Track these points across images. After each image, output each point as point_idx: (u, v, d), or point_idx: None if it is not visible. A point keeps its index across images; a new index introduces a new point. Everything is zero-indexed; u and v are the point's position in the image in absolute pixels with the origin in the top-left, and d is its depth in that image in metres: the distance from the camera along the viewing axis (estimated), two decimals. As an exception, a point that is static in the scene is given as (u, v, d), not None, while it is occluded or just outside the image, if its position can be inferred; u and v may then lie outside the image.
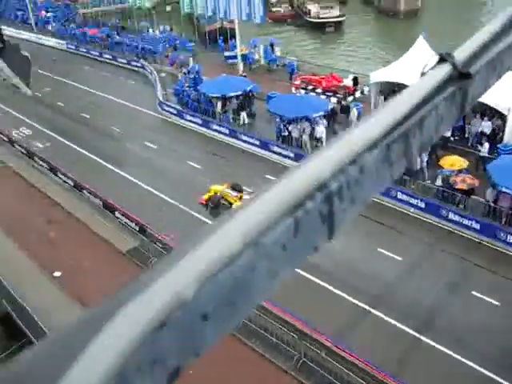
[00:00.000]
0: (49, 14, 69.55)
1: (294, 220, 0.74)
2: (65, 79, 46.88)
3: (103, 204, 26.63)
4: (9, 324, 22.41)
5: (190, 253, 0.63)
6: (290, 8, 78.95)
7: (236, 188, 24.64)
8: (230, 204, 24.01)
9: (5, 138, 36.42)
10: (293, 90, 36.12)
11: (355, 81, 36.01)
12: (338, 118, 31.31)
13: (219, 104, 33.64)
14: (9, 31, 67.36)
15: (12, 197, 29.09)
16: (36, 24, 66.88)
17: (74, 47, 56.57)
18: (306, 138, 28.82)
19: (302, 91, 36.06)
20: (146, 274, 0.63)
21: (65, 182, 29.96)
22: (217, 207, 24.39)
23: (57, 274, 22.44)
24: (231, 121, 32.95)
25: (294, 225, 0.74)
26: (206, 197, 24.91)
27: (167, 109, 36.80)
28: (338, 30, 68.95)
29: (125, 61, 48.76)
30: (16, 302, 20.72)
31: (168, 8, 57.93)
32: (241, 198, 23.77)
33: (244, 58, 42.05)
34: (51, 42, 60.01)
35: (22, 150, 34.32)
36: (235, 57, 42.25)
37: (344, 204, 0.84)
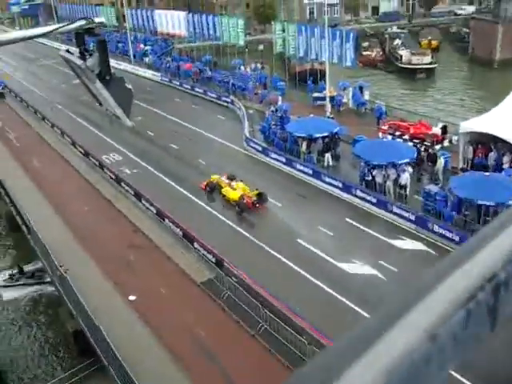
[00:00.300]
0: (146, 47, 72.68)
1: (466, 311, 0.74)
2: (156, 109, 48.52)
3: (183, 234, 27.06)
4: (81, 340, 23.01)
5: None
6: (381, 52, 78.99)
7: (230, 177, 30.99)
8: (221, 187, 30.68)
9: (96, 162, 37.94)
10: (380, 134, 35.74)
11: (444, 129, 35.22)
12: (424, 167, 30.68)
13: (304, 144, 33.74)
14: (112, 62, 70.96)
15: (98, 219, 30.16)
16: (134, 56, 70.01)
17: (167, 79, 58.75)
18: (390, 184, 28.33)
19: (389, 136, 35.64)
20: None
21: (148, 208, 30.71)
22: (212, 191, 31.14)
23: (132, 297, 22.88)
24: (315, 162, 32.92)
25: (466, 316, 0.74)
26: (205, 183, 31.46)
27: (253, 145, 37.27)
28: (429, 76, 68.17)
29: (215, 95, 50.07)
30: (90, 319, 21.19)
31: (260, 47, 59.25)
32: (230, 183, 30.41)
33: (332, 99, 42.15)
34: (147, 73, 62.61)
35: (111, 175, 35.58)
36: (323, 98, 42.39)
37: (509, 295, 0.82)
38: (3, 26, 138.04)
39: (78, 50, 3.42)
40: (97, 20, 3.35)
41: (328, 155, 32.92)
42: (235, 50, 60.98)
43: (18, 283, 31.31)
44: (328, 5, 55.63)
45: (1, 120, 52.42)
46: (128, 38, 71.50)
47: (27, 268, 31.94)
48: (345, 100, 43.13)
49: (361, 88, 43.96)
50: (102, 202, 32.73)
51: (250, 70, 54.79)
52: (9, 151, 43.87)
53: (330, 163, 32.82)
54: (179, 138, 41.03)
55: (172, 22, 70.79)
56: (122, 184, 33.95)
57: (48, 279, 28.91)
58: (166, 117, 46.68)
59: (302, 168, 32.87)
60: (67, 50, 3.45)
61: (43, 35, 3.38)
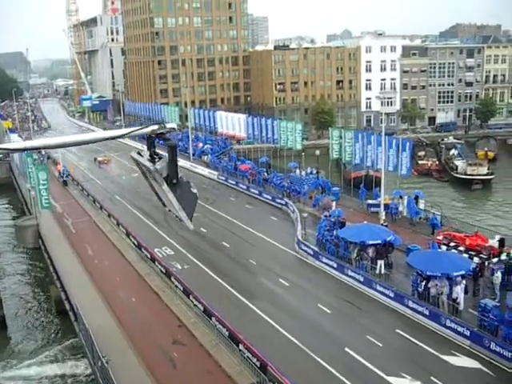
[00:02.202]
0: (206, 147, 75.13)
1: None
2: (211, 207, 49.32)
3: (229, 334, 26.58)
4: None
5: None
6: (436, 162, 79.21)
7: None
8: None
9: (148, 255, 38.37)
10: (434, 244, 35.08)
11: (501, 242, 34.35)
12: (480, 280, 29.69)
13: (356, 251, 33.38)
14: (169, 158, 73.51)
15: (144, 310, 30.08)
16: (193, 154, 72.31)
17: (224, 178, 60.11)
18: (444, 297, 27.42)
19: (444, 247, 34.96)
20: None
21: (195, 305, 30.48)
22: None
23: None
24: (367, 269, 32.37)
25: None
26: None
27: (305, 248, 37.11)
28: (485, 187, 67.60)
29: (270, 197, 50.73)
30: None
31: (317, 152, 60.27)
32: None
33: (387, 207, 42.00)
34: (205, 171, 64.32)
35: (162, 269, 35.80)
36: (378, 205, 42.34)
37: None
38: (73, 119, 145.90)
39: (148, 152, 3.53)
40: (169, 126, 3.47)
41: (381, 263, 32.35)
42: (292, 153, 62.26)
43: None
44: (385, 114, 56.75)
45: (61, 206, 54.25)
46: (189, 136, 74.18)
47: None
48: (400, 208, 42.91)
49: (416, 197, 43.78)
50: (150, 294, 32.75)
51: (306, 173, 55.59)
52: (65, 237, 44.98)
53: (383, 271, 32.18)
54: (232, 237, 41.33)
55: (232, 123, 73.45)
56: (172, 279, 34.02)
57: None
58: (220, 215, 47.33)
59: (353, 274, 32.33)
60: (138, 153, 3.57)
61: (118, 137, 3.51)
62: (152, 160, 3.56)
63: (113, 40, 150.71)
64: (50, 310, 39.79)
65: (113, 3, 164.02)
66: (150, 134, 3.45)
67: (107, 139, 3.64)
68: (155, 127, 3.42)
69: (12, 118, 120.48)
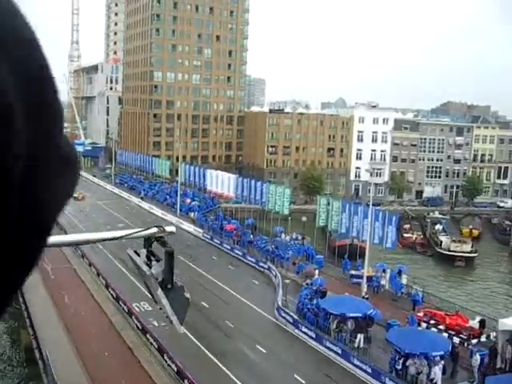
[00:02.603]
0: (193, 203, 75.24)
1: None
2: (193, 265, 48.95)
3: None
4: None
5: None
6: (421, 236, 79.63)
7: None
8: None
9: (125, 309, 37.84)
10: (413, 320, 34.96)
11: (482, 323, 34.29)
12: (458, 362, 29.47)
13: (335, 322, 33.14)
14: (155, 211, 73.49)
15: (116, 366, 29.46)
16: (180, 209, 72.29)
17: (209, 237, 59.93)
18: (423, 377, 27.14)
19: (424, 325, 34.83)
20: None
21: (169, 365, 29.93)
22: None
23: None
24: (346, 341, 32.06)
25: None
26: None
27: (284, 315, 36.77)
28: (468, 265, 67.82)
29: (253, 260, 50.53)
30: None
31: (304, 218, 60.59)
32: None
33: (369, 280, 41.96)
34: (190, 228, 64.14)
35: (138, 325, 35.23)
36: (361, 277, 42.30)
37: None
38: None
39: (145, 251, 3.60)
40: (168, 229, 3.54)
41: (360, 336, 32.10)
42: (279, 216, 62.45)
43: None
44: (374, 184, 57.45)
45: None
46: (178, 191, 74.35)
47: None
48: (382, 282, 42.89)
49: (399, 272, 43.85)
50: (125, 350, 32.20)
51: (291, 238, 55.65)
52: (43, 283, 44.27)
53: (362, 345, 31.89)
54: (211, 297, 40.91)
55: (222, 182, 73.89)
56: (148, 335, 33.50)
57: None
58: (201, 273, 46.99)
59: (331, 346, 32.01)
60: (135, 251, 3.63)
61: (113, 239, 3.58)
62: (148, 262, 3.62)
63: (111, 89, 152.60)
64: (18, 356, 38.73)
65: (115, 53, 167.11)
66: (148, 237, 3.53)
67: (104, 241, 3.71)
68: (154, 230, 3.50)
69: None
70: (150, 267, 3.60)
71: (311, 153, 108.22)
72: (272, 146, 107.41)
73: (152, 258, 3.63)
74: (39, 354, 32.03)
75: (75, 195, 77.63)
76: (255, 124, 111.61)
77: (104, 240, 3.77)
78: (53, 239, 3.40)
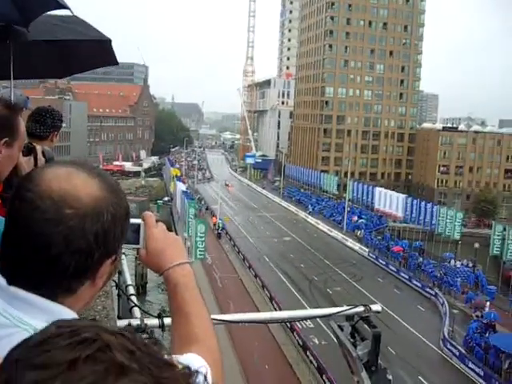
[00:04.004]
0: (360, 221, 74.59)
1: None
2: (357, 284, 48.59)
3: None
4: None
5: None
6: None
7: None
8: None
9: (287, 324, 38.44)
10: None
11: None
12: None
13: (508, 362, 30.96)
14: (322, 226, 74.05)
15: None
16: (346, 226, 72.08)
17: (374, 256, 59.05)
18: None
19: None
20: None
21: (328, 386, 29.90)
22: None
23: None
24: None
25: None
26: None
27: (450, 347, 35.09)
28: None
29: (419, 284, 48.89)
30: None
31: (476, 245, 57.43)
32: None
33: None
34: (356, 246, 63.69)
35: (299, 341, 35.58)
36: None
37: None
38: (235, 173, 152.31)
39: (348, 327, 3.67)
40: (374, 308, 3.59)
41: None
42: (448, 240, 59.92)
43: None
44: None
45: (212, 258, 56.24)
46: (345, 208, 74.24)
47: None
48: None
49: None
50: (284, 365, 32.77)
51: (461, 265, 53.05)
52: (211, 290, 46.32)
53: (535, 391, 29.52)
54: (374, 320, 40.14)
55: (390, 201, 72.49)
56: (308, 353, 33.75)
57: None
58: (364, 294, 46.36)
59: (501, 389, 29.99)
60: (339, 326, 3.72)
61: (320, 317, 3.70)
62: (353, 340, 3.69)
63: (283, 103, 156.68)
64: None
65: (288, 68, 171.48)
66: (352, 316, 3.59)
67: (309, 318, 3.86)
68: (360, 309, 3.56)
69: (179, 165, 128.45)
70: (355, 346, 3.67)
71: (486, 174, 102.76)
72: (444, 166, 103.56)
73: (356, 336, 3.70)
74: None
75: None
76: (427, 142, 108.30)
77: (310, 318, 3.91)
78: (264, 315, 3.60)
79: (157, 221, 1.51)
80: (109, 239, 1.10)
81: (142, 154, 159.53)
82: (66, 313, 1.08)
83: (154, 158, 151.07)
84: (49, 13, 3.01)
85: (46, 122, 3.73)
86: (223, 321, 3.64)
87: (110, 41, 3.67)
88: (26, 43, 3.23)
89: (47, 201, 1.03)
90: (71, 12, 2.65)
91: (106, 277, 1.18)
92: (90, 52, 3.85)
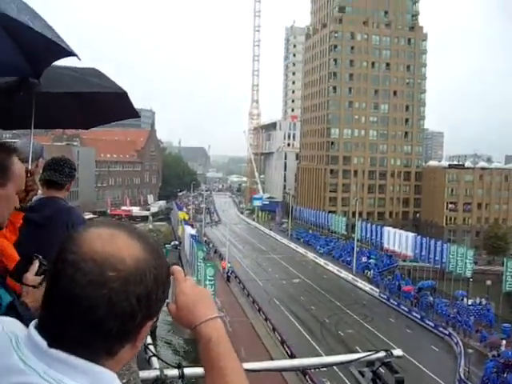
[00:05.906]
0: (370, 261, 74.08)
1: None
2: (368, 325, 47.98)
3: None
4: None
5: None
6: None
7: None
8: None
9: (299, 367, 37.81)
10: None
11: None
12: None
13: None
14: (331, 267, 73.47)
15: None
16: (356, 267, 71.55)
17: (385, 297, 58.41)
18: None
19: None
20: None
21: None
22: None
23: None
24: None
25: None
26: None
27: (466, 390, 34.44)
28: None
29: (432, 324, 48.20)
30: None
31: (488, 282, 56.63)
32: None
33: None
34: (366, 287, 63.08)
35: (313, 386, 34.92)
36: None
37: None
38: (242, 215, 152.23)
39: (369, 373, 3.60)
40: (395, 353, 3.52)
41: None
42: (459, 277, 59.35)
43: None
44: None
45: (221, 302, 55.66)
46: (354, 248, 73.83)
47: None
48: None
49: None
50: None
51: (474, 303, 52.33)
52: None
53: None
54: (396, 365, 39.44)
55: (399, 240, 72.15)
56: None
57: None
58: (376, 335, 45.75)
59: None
60: (359, 371, 3.65)
61: (340, 364, 3.65)
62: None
63: (289, 145, 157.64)
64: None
65: (293, 110, 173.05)
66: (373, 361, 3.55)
67: (329, 366, 3.80)
68: (382, 354, 3.51)
69: (187, 209, 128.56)
70: (377, 392, 3.61)
71: (494, 210, 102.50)
72: (452, 203, 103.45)
73: (378, 382, 3.63)
74: None
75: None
76: (433, 180, 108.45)
77: (330, 365, 3.85)
78: (283, 363, 3.54)
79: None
80: (151, 301, 1.08)
81: (150, 198, 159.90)
82: (108, 375, 1.06)
83: (162, 202, 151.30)
84: (65, 63, 3.08)
85: (64, 171, 3.77)
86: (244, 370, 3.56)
87: (125, 93, 3.71)
88: (42, 94, 3.27)
89: (90, 263, 1.03)
90: (79, 59, 2.70)
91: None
92: (110, 104, 3.89)
